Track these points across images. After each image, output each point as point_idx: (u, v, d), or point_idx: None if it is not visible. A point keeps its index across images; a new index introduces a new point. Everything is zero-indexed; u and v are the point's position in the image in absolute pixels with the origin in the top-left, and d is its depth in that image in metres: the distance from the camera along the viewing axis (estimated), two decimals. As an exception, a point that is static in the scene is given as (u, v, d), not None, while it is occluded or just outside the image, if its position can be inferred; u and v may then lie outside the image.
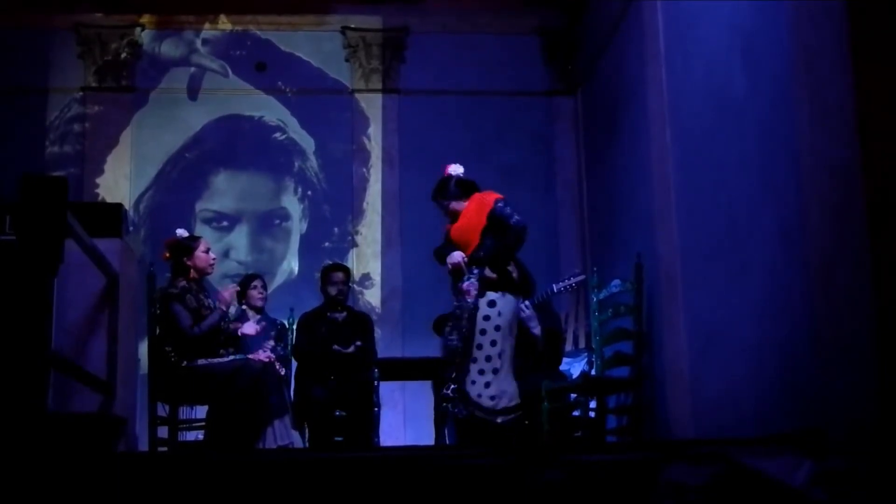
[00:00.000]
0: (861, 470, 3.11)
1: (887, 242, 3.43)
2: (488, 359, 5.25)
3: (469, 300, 5.30)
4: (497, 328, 5.28)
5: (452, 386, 5.30)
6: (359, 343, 6.50)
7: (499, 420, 5.24)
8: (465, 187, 5.52)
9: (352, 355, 6.45)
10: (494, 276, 5.35)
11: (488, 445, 5.20)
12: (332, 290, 6.69)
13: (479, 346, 5.26)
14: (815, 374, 3.88)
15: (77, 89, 8.49)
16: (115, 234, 5.09)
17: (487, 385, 5.23)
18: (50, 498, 2.97)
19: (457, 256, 5.38)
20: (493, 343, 5.26)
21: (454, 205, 5.50)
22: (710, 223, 5.35)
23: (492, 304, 5.30)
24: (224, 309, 5.73)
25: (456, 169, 5.60)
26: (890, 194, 3.46)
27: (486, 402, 5.22)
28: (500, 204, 5.41)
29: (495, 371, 5.26)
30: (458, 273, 5.39)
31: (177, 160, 8.53)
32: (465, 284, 5.34)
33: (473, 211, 5.44)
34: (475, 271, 5.34)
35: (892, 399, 3.32)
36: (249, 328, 5.87)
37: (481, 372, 5.25)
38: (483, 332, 5.27)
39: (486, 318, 5.29)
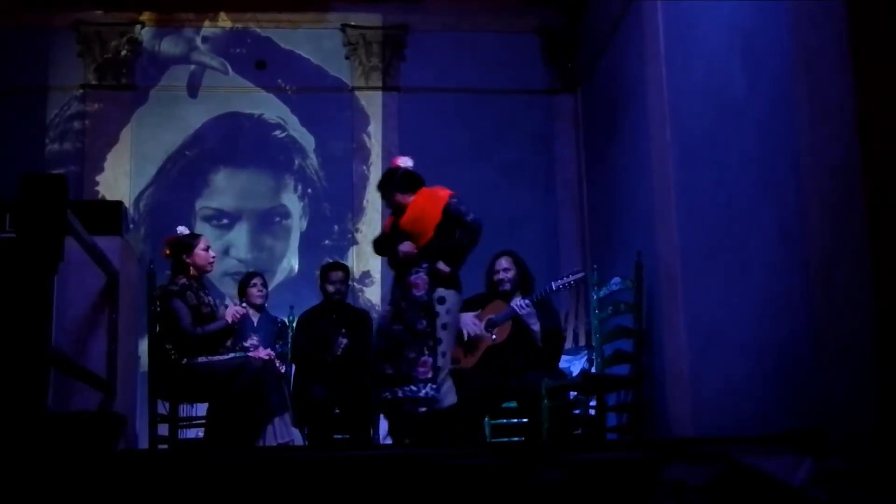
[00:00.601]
0: (861, 470, 3.12)
1: (887, 242, 3.44)
2: (433, 356, 5.23)
3: (416, 293, 5.29)
4: (444, 326, 5.28)
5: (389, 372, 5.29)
6: (345, 341, 6.45)
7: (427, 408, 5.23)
8: (412, 181, 5.50)
9: (347, 354, 6.43)
10: (448, 269, 5.34)
11: (422, 436, 5.21)
12: (331, 289, 6.69)
13: (427, 342, 5.25)
14: (815, 373, 3.88)
15: (77, 87, 8.49)
16: (115, 232, 5.10)
17: (432, 381, 5.22)
18: (50, 497, 2.97)
19: (409, 246, 5.36)
20: (440, 342, 5.27)
21: (400, 197, 5.49)
22: (710, 222, 5.35)
23: (441, 300, 5.29)
24: (228, 321, 5.70)
25: (405, 161, 5.60)
26: (890, 194, 3.46)
27: (428, 394, 5.21)
28: (454, 200, 5.42)
29: (439, 370, 5.25)
30: (406, 264, 5.37)
31: (177, 158, 8.53)
32: (413, 277, 5.32)
33: (426, 204, 5.40)
34: (424, 265, 5.32)
35: (892, 399, 3.32)
36: (229, 314, 5.80)
37: (433, 369, 5.22)
38: (432, 329, 5.26)
39: (436, 315, 5.29)
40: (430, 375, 5.22)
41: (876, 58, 3.56)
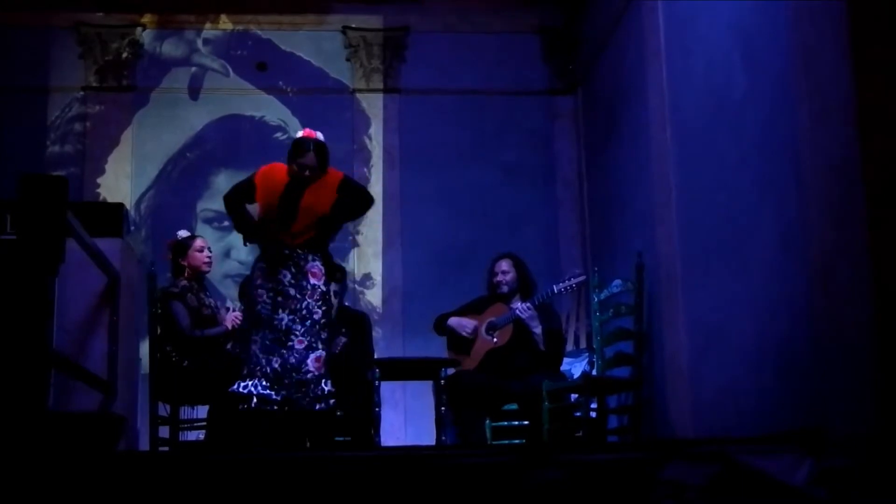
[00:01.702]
0: (861, 469, 3.12)
1: (887, 242, 3.44)
2: (326, 351, 5.07)
3: (315, 282, 5.10)
4: (332, 325, 5.17)
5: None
6: (343, 339, 6.44)
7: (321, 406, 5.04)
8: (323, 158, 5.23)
9: (346, 356, 6.41)
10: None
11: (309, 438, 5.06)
12: (324, 290, 6.67)
13: (321, 334, 5.06)
14: (815, 373, 3.88)
15: (78, 89, 8.49)
16: (116, 234, 5.11)
17: (327, 377, 5.05)
18: (50, 497, 2.98)
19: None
20: (327, 341, 5.11)
21: (310, 172, 5.14)
22: (710, 222, 5.35)
23: (335, 294, 5.14)
24: (228, 328, 5.71)
25: (320, 136, 5.33)
26: (890, 194, 3.47)
27: (331, 390, 5.05)
28: (347, 177, 5.30)
29: (328, 366, 5.08)
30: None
31: (178, 160, 8.53)
32: (310, 265, 5.11)
33: (328, 185, 5.17)
34: (318, 254, 5.14)
35: (892, 399, 3.32)
36: (229, 320, 5.79)
37: (325, 364, 5.06)
38: (328, 320, 5.11)
39: (328, 311, 5.10)
40: (323, 371, 5.01)
41: (876, 58, 3.56)
